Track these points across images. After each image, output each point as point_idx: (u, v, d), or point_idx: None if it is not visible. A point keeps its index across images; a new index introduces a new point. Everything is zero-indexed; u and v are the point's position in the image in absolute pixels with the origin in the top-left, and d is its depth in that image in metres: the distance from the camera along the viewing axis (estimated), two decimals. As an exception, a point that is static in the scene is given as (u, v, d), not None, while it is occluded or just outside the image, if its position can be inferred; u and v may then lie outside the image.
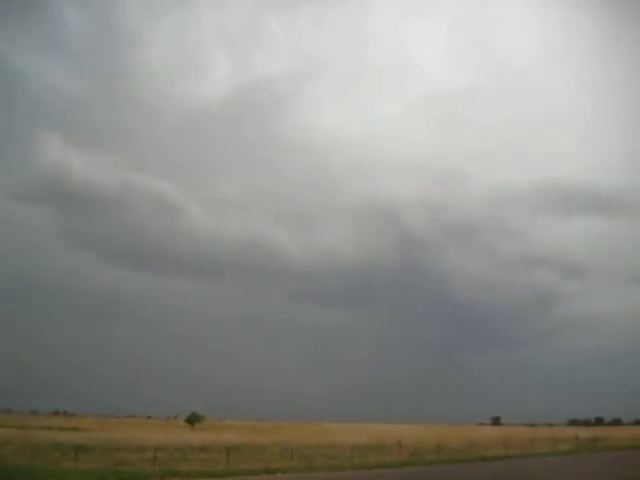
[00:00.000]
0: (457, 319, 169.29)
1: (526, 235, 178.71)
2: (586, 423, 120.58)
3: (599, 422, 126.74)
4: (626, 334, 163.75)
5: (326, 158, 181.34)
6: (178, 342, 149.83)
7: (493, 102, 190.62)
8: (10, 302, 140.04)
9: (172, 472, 23.87)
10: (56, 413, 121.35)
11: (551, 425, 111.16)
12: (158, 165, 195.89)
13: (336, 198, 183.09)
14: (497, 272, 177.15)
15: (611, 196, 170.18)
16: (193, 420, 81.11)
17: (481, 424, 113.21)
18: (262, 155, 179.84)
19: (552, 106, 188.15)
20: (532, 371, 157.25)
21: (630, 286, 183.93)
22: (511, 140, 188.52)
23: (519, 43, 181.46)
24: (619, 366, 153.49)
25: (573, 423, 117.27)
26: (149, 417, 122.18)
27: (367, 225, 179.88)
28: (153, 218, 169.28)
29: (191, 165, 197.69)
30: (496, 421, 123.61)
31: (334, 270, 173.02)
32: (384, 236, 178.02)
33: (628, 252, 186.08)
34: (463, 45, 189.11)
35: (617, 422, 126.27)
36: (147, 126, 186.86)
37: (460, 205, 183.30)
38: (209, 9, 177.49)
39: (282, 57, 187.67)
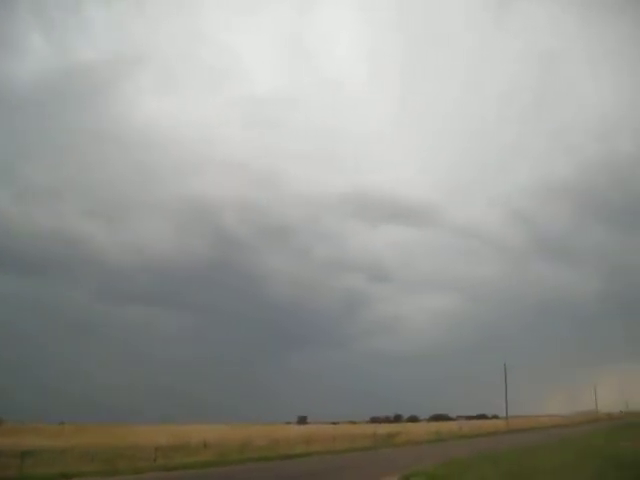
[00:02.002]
0: (271, 319, 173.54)
1: (339, 239, 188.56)
2: (386, 420, 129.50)
3: (398, 419, 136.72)
4: (425, 336, 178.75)
5: (143, 152, 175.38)
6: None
7: (313, 109, 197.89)
8: None
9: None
10: None
11: (354, 423, 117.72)
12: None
13: (152, 194, 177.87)
14: (311, 274, 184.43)
15: (417, 208, 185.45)
16: (-11, 424, 75.06)
17: (288, 423, 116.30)
18: (74, 145, 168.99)
19: (370, 117, 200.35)
20: (341, 371, 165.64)
21: (431, 292, 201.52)
22: (328, 147, 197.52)
23: (343, 52, 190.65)
24: (418, 366, 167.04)
25: (374, 420, 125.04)
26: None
27: (183, 223, 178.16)
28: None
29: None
30: (302, 420, 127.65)
31: (147, 267, 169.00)
32: (200, 234, 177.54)
33: (429, 260, 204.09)
34: (288, 50, 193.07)
35: (414, 419, 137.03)
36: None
37: (277, 208, 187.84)
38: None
39: (102, 44, 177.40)
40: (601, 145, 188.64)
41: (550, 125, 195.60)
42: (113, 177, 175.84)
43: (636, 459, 19.82)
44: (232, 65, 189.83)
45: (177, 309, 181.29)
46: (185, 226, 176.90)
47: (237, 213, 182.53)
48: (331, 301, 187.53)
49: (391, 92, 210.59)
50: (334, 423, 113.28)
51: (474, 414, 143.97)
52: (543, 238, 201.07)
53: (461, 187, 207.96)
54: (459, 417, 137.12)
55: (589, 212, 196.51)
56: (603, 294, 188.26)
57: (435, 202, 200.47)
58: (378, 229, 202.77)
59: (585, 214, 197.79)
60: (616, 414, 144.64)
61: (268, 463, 31.98)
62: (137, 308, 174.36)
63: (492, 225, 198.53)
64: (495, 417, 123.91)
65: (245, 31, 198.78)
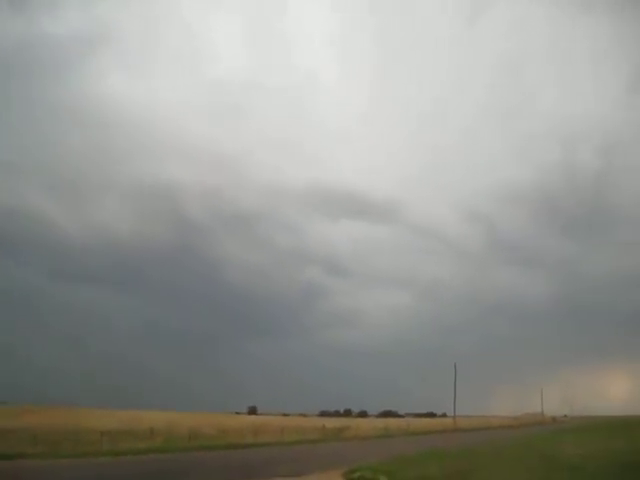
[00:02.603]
0: (228, 307, 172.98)
1: (300, 231, 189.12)
2: (336, 414, 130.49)
3: (348, 414, 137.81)
4: (381, 332, 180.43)
5: (105, 132, 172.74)
6: None
7: (283, 97, 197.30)
8: None
9: None
10: None
11: (304, 415, 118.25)
12: None
13: (114, 175, 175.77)
14: (271, 264, 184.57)
15: (379, 204, 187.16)
16: None
17: (238, 413, 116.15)
18: (35, 119, 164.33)
19: (341, 111, 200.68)
20: (295, 363, 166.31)
21: (388, 288, 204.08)
22: (296, 138, 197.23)
23: (318, 41, 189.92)
24: (371, 361, 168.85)
25: (324, 414, 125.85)
26: None
27: (145, 205, 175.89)
28: None
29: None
30: (252, 410, 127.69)
31: (107, 248, 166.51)
32: (160, 218, 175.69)
33: (388, 257, 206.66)
34: (259, 38, 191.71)
35: (364, 414, 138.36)
36: None
37: (240, 195, 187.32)
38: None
39: (69, 20, 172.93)
40: (562, 153, 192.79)
41: (514, 130, 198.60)
42: (78, 156, 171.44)
43: (576, 463, 20.44)
44: (201, 49, 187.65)
45: (132, 292, 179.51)
46: (145, 209, 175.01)
47: (199, 199, 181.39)
48: (290, 292, 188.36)
49: (362, 88, 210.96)
50: (284, 415, 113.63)
51: (423, 412, 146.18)
52: (500, 241, 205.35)
53: (423, 187, 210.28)
54: (408, 414, 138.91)
55: (546, 218, 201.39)
56: (555, 298, 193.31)
57: (397, 200, 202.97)
58: (339, 223, 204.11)
59: (542, 220, 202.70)
60: (560, 417, 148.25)
61: (215, 452, 32.01)
62: (90, 289, 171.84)
63: (451, 226, 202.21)
64: (443, 415, 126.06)
65: (216, 14, 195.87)
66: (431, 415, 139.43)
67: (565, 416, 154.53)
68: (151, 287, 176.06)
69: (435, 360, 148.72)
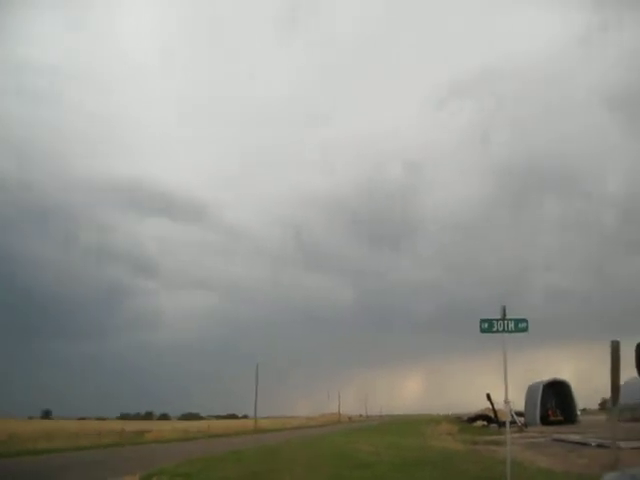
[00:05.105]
0: (21, 307, 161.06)
1: (106, 228, 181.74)
2: (137, 417, 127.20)
3: (149, 416, 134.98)
4: (184, 333, 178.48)
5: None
6: None
7: (98, 89, 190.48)
8: None
9: None
10: None
11: (103, 419, 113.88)
12: None
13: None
14: (73, 262, 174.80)
15: (188, 204, 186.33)
16: None
17: (31, 418, 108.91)
18: None
19: (158, 107, 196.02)
20: (93, 364, 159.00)
21: (193, 289, 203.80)
22: (109, 130, 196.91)
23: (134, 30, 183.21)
24: (174, 363, 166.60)
25: (124, 417, 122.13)
26: None
27: None
28: None
29: None
30: (47, 414, 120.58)
31: None
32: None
33: (194, 257, 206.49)
34: (71, 21, 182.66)
35: (165, 417, 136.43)
36: None
37: (43, 188, 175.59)
38: None
39: None
40: (370, 168, 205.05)
41: (318, 139, 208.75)
42: None
43: (367, 460, 22.45)
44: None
45: None
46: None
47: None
48: (92, 292, 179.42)
49: (183, 85, 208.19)
50: (81, 419, 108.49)
51: (225, 414, 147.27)
52: (308, 247, 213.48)
53: (237, 189, 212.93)
54: (210, 416, 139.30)
55: (352, 228, 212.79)
56: (359, 305, 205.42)
57: (206, 200, 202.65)
58: (149, 222, 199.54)
59: (349, 230, 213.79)
60: (356, 417, 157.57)
61: (1, 460, 30.32)
62: None
63: (261, 229, 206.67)
64: (245, 417, 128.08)
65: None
66: (233, 417, 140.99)
67: (361, 416, 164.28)
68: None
69: (238, 362, 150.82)
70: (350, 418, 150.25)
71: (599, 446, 23.66)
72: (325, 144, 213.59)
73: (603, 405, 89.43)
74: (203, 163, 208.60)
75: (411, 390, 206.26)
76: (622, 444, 20.63)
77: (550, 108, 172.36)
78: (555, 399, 58.60)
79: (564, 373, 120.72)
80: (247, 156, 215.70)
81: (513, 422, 47.40)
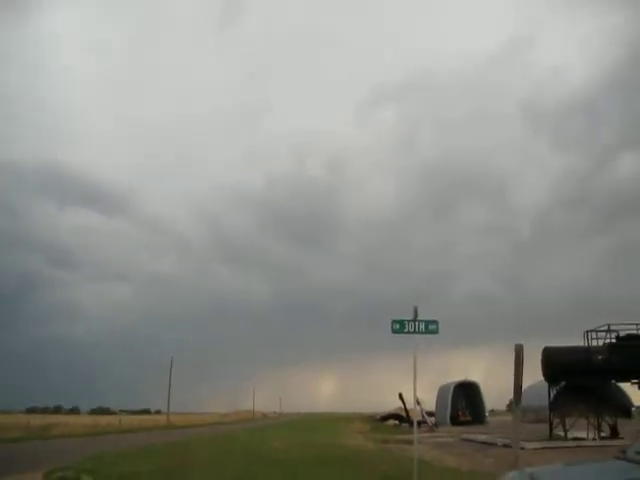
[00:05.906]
0: None
1: (22, 216, 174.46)
2: (45, 411, 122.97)
3: (58, 410, 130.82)
4: (99, 326, 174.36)
5: None
6: None
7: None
8: None
9: None
10: None
11: (8, 412, 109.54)
12: None
13: None
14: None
15: (109, 194, 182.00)
16: None
17: None
18: None
19: (85, 90, 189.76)
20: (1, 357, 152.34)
21: (113, 279, 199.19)
22: (23, 112, 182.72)
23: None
24: (90, 356, 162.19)
25: (32, 411, 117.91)
26: None
27: None
28: None
29: None
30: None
31: None
32: None
33: (114, 249, 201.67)
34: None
35: (75, 411, 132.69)
36: None
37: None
38: None
39: None
40: (293, 165, 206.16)
41: (249, 139, 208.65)
42: None
43: (281, 457, 22.98)
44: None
45: None
46: None
47: None
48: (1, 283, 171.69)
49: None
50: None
51: (138, 409, 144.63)
52: (227, 243, 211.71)
53: (156, 181, 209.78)
54: (122, 411, 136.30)
55: (274, 225, 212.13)
56: (277, 302, 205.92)
57: (128, 192, 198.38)
58: (69, 211, 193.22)
59: (270, 227, 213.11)
60: (270, 414, 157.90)
61: None
62: None
63: (179, 223, 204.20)
64: (158, 412, 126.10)
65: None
66: (146, 412, 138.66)
67: (275, 412, 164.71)
68: None
69: (152, 356, 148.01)
70: (264, 415, 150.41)
71: (505, 446, 23.81)
72: (251, 143, 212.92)
73: (510, 406, 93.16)
74: (136, 155, 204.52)
75: (327, 388, 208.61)
76: (525, 444, 22.08)
77: (477, 114, 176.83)
78: (465, 400, 60.60)
79: (475, 374, 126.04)
80: (173, 153, 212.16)
81: (424, 422, 49.05)
